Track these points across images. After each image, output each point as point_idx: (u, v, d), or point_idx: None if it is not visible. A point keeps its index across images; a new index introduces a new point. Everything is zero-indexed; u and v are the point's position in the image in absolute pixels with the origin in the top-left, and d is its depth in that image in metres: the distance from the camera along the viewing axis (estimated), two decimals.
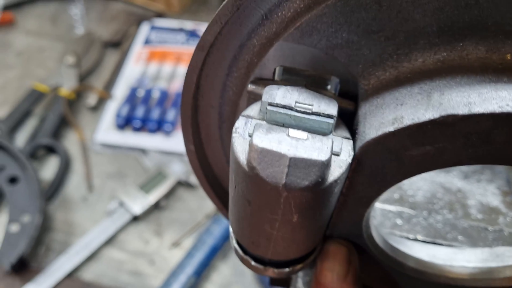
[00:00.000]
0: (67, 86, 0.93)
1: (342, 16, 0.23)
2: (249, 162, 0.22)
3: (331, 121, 0.24)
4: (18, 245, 0.72)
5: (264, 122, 0.24)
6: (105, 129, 0.89)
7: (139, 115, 0.89)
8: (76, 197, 0.83)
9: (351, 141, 0.24)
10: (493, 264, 0.33)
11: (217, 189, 0.36)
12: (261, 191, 0.23)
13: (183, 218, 0.81)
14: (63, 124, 0.90)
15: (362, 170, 0.25)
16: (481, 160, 0.23)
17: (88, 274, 0.75)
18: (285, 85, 0.25)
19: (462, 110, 0.21)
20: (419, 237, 0.38)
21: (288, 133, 0.23)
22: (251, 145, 0.22)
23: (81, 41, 1.03)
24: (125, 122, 0.89)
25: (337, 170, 0.23)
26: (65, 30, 1.09)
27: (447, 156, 0.23)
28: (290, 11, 0.24)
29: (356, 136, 0.25)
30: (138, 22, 1.08)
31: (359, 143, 0.24)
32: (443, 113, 0.21)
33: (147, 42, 1.04)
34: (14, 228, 0.75)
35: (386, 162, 0.24)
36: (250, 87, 0.27)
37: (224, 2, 0.25)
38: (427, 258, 0.34)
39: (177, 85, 0.96)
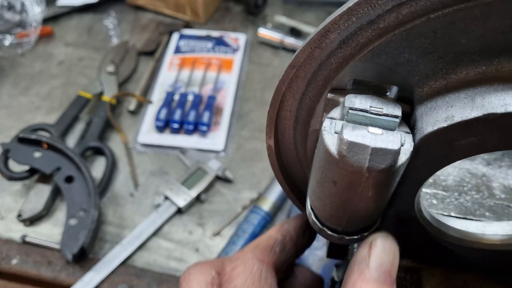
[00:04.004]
0: (108, 92, 1.02)
1: (406, 42, 0.31)
2: (339, 152, 0.30)
3: (397, 120, 0.31)
4: (78, 237, 0.80)
5: (345, 122, 0.31)
6: (145, 131, 0.97)
7: (176, 118, 0.97)
8: (124, 193, 0.91)
9: (411, 135, 0.32)
10: None
11: (286, 177, 0.44)
12: (347, 174, 0.31)
13: (222, 209, 0.89)
14: (107, 127, 0.98)
15: (418, 157, 0.32)
16: None
17: (140, 262, 0.83)
18: (357, 93, 0.33)
19: (500, 110, 0.29)
20: (452, 214, 0.46)
21: (368, 130, 0.30)
22: (341, 139, 0.30)
23: (117, 50, 1.11)
24: (164, 125, 0.97)
25: (403, 157, 0.31)
26: (101, 40, 1.17)
27: (486, 144, 0.31)
28: (363, 38, 0.32)
29: (415, 130, 0.32)
30: (169, 31, 1.16)
31: (418, 136, 0.32)
32: (485, 112, 0.29)
33: (177, 50, 1.12)
34: (72, 222, 0.83)
35: (439, 150, 0.32)
36: (330, 95, 0.35)
37: (315, 31, 0.33)
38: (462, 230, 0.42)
39: (208, 89, 1.04)
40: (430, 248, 0.41)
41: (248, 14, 1.22)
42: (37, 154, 0.89)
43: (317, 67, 0.35)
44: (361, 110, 0.32)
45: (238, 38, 1.15)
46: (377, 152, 0.30)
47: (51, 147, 0.89)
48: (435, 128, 0.31)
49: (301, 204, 0.47)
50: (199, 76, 1.06)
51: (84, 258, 0.83)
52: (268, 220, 0.84)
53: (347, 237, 0.37)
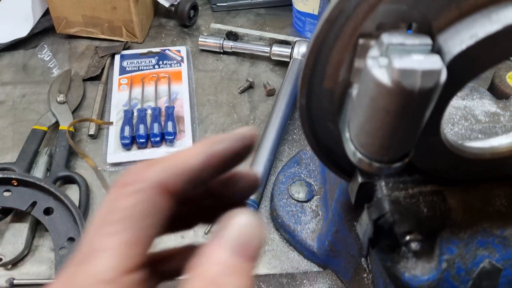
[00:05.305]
0: (64, 122, 1.00)
1: None
2: (394, 80, 0.35)
3: (430, 47, 0.37)
4: None
5: (391, 55, 0.36)
6: (112, 152, 0.97)
7: (141, 133, 0.98)
8: None
9: (440, 57, 0.38)
10: None
11: (314, 134, 0.49)
12: (401, 99, 0.36)
13: None
14: (71, 155, 0.97)
15: (448, 76, 0.38)
16: None
17: None
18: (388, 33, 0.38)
19: None
20: None
21: (412, 57, 0.36)
22: (393, 69, 0.35)
23: (61, 80, 1.09)
24: (130, 142, 0.97)
25: (443, 76, 0.37)
26: (40, 74, 1.14)
27: (508, 52, 0.37)
28: None
29: (442, 55, 0.38)
30: (109, 54, 1.16)
31: (448, 58, 0.38)
32: (504, 25, 0.35)
33: (122, 71, 1.13)
34: (63, 252, 0.81)
35: (465, 66, 0.38)
36: (361, 41, 0.40)
37: None
38: None
39: (163, 102, 1.06)
40: (451, 167, 0.47)
41: (182, 27, 1.26)
42: (7, 194, 0.86)
43: (344, 20, 0.40)
44: (399, 44, 0.37)
45: (179, 50, 1.17)
46: (425, 73, 0.35)
47: (22, 183, 0.86)
48: (463, 47, 0.37)
49: (326, 159, 0.52)
50: (151, 91, 1.08)
51: None
52: (256, 208, 0.88)
53: (393, 165, 0.42)
